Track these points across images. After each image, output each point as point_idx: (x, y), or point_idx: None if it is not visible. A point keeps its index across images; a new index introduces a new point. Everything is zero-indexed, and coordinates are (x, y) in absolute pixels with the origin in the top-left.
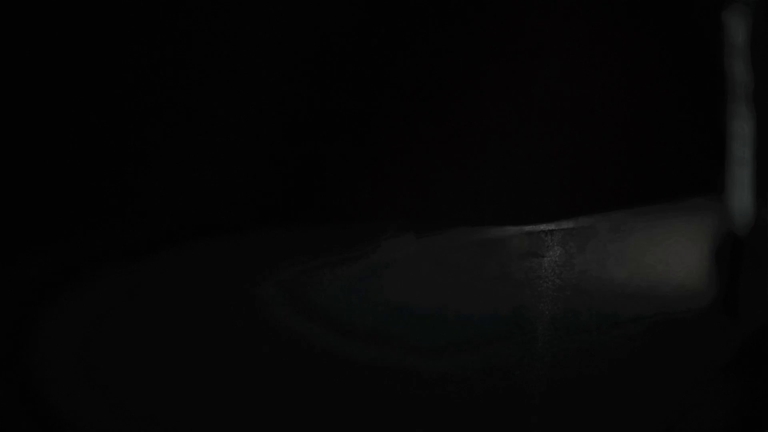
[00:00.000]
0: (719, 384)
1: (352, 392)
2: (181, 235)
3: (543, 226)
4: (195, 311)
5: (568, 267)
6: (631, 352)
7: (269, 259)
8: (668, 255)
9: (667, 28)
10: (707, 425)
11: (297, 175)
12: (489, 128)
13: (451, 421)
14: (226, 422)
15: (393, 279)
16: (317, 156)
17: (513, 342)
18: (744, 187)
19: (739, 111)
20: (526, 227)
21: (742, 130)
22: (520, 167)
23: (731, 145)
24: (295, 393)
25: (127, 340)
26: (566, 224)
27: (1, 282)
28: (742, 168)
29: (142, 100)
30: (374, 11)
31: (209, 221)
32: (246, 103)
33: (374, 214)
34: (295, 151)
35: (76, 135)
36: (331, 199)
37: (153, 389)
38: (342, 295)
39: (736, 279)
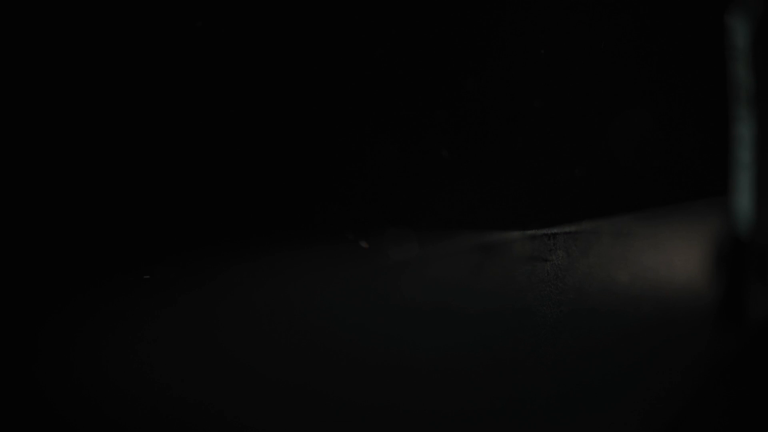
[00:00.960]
0: (720, 384)
1: (358, 390)
2: (187, 237)
3: (546, 231)
4: (201, 312)
5: (571, 270)
6: (633, 354)
7: (274, 261)
8: (670, 258)
9: (670, 33)
10: (708, 425)
11: (304, 181)
12: (493, 134)
13: (455, 419)
14: (232, 420)
15: (398, 282)
16: (324, 161)
17: (517, 343)
18: (745, 191)
19: (741, 115)
20: (530, 231)
21: (743, 134)
22: (523, 173)
23: (733, 149)
24: (300, 391)
25: (132, 339)
26: (569, 228)
27: (5, 282)
28: (744, 171)
29: (142, 101)
30: (377, 14)
31: (214, 226)
32: (248, 106)
33: (380, 219)
34: (301, 156)
35: (81, 139)
36: (338, 203)
37: (156, 388)
38: (349, 297)
39: (737, 281)
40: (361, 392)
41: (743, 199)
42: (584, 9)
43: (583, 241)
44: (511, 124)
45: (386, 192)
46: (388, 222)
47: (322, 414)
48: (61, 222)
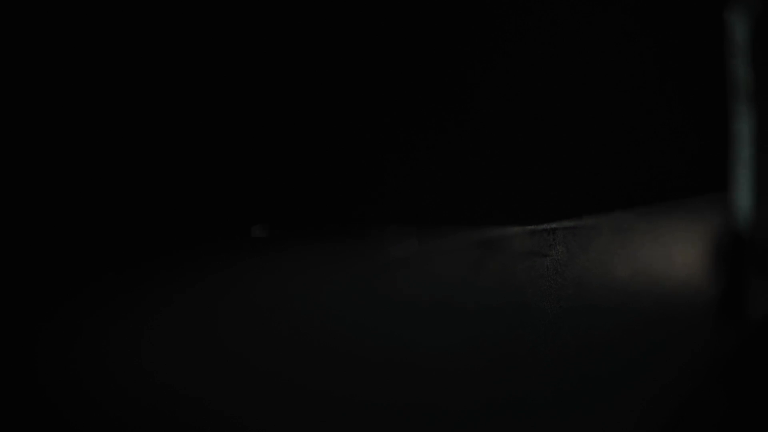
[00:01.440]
0: (719, 382)
1: (357, 387)
2: (190, 236)
3: (546, 226)
4: (201, 310)
5: (570, 266)
6: (632, 350)
7: (274, 259)
8: (670, 254)
9: (669, 29)
10: (707, 425)
11: (302, 178)
12: (493, 130)
13: (455, 417)
14: (232, 418)
15: (398, 278)
16: (322, 157)
17: (515, 339)
18: (745, 187)
19: (741, 111)
20: (530, 227)
21: (743, 130)
22: (523, 168)
23: (733, 145)
24: (301, 390)
25: (131, 338)
26: (569, 224)
27: (7, 283)
28: (744, 167)
29: (140, 101)
30: (376, 13)
31: (217, 225)
32: (251, 105)
33: (380, 216)
34: (302, 155)
35: (82, 138)
36: (336, 200)
37: (158, 387)
38: (347, 294)
39: (737, 278)
40: (360, 390)
41: (743, 195)
42: (583, 7)
43: (583, 236)
44: (510, 119)
45: (385, 188)
46: (387, 218)
47: (321, 412)
48: (62, 221)
